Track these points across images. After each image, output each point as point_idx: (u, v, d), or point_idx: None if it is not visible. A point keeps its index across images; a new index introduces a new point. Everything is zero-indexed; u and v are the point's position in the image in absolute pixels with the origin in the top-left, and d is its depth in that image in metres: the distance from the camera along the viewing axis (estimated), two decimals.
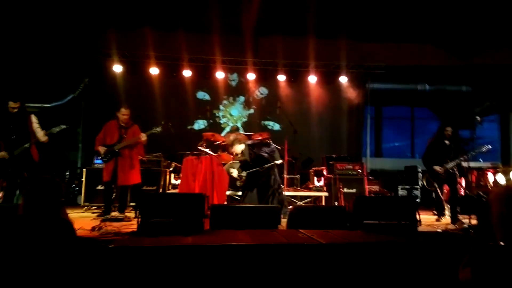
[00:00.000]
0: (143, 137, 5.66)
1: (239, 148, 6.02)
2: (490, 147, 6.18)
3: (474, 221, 4.66)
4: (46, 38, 8.81)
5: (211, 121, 10.39)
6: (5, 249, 2.17)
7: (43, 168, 5.59)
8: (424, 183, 7.13)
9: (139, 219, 3.91)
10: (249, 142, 6.10)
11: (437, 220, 6.00)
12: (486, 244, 1.58)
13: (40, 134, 5.24)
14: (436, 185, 6.17)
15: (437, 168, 6.03)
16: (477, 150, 6.10)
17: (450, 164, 5.97)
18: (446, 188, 6.79)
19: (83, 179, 7.12)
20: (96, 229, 4.38)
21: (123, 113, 5.75)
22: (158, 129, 5.81)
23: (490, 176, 7.78)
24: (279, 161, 5.88)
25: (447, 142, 6.10)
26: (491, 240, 1.60)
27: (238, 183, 7.15)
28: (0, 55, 8.19)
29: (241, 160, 6.13)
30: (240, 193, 7.09)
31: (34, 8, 7.94)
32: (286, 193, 7.02)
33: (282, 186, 6.55)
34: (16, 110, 5.20)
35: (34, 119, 5.35)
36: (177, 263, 2.89)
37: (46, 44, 8.90)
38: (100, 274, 2.74)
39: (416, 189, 8.74)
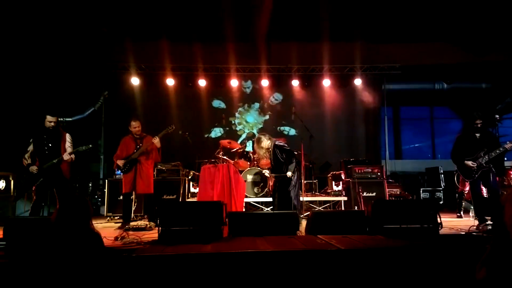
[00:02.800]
0: (155, 139, 5.78)
1: (265, 143, 5.90)
2: None
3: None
4: (66, 54, 9.10)
5: (227, 128, 10.50)
6: (38, 257, 2.30)
7: (71, 181, 5.70)
8: (456, 182, 6.83)
9: (160, 228, 3.99)
10: (277, 142, 6.02)
11: (478, 227, 5.12)
12: (502, 244, 1.57)
13: (66, 153, 5.34)
14: (470, 185, 5.61)
15: (469, 163, 5.46)
16: (506, 146, 5.39)
17: (485, 158, 5.37)
18: (466, 187, 6.60)
19: (106, 190, 7.30)
20: (119, 238, 4.48)
21: (134, 126, 5.91)
22: (171, 128, 5.92)
23: None
24: (289, 174, 5.77)
25: (477, 135, 5.56)
26: (506, 240, 1.59)
27: (256, 190, 7.21)
28: (24, 71, 8.48)
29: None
30: (258, 199, 7.17)
31: (53, 23, 8.21)
32: (305, 198, 7.00)
33: (301, 192, 6.53)
34: (53, 125, 5.33)
35: (68, 137, 5.49)
36: (198, 270, 2.94)
37: (66, 60, 9.19)
38: (123, 283, 2.81)
39: (439, 191, 8.56)
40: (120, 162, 5.84)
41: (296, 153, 6.17)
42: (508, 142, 5.44)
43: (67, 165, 5.45)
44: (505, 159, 8.78)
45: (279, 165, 5.89)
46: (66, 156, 5.33)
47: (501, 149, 5.43)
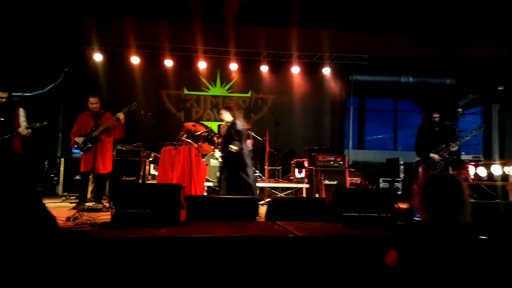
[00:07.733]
0: (121, 115, 5.57)
1: (227, 116, 5.86)
2: (485, 125, 5.94)
3: None
4: (26, 27, 8.56)
5: (193, 111, 10.28)
6: None
7: (23, 158, 5.48)
8: (417, 173, 7.03)
9: (113, 210, 3.83)
10: (237, 124, 5.90)
11: None
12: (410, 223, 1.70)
13: (22, 127, 5.21)
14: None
15: (435, 156, 5.60)
16: (474, 132, 5.71)
17: (447, 151, 5.57)
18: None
19: (62, 168, 6.99)
20: (71, 219, 4.27)
21: (91, 102, 5.65)
22: (133, 106, 5.75)
23: (471, 169, 7.79)
24: (234, 148, 5.64)
25: (436, 128, 5.72)
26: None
27: (219, 174, 7.10)
28: None
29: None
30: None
31: None
32: (267, 184, 6.99)
33: (263, 177, 6.50)
34: (4, 101, 5.18)
35: (22, 112, 5.35)
36: (149, 255, 2.83)
37: (26, 33, 8.66)
38: (71, 265, 2.66)
39: (398, 181, 8.79)
40: (79, 139, 5.55)
41: (250, 137, 6.05)
42: (468, 135, 5.67)
43: (19, 142, 5.27)
44: (463, 153, 9.16)
45: (227, 144, 5.79)
46: (23, 131, 5.18)
47: (461, 140, 5.63)
